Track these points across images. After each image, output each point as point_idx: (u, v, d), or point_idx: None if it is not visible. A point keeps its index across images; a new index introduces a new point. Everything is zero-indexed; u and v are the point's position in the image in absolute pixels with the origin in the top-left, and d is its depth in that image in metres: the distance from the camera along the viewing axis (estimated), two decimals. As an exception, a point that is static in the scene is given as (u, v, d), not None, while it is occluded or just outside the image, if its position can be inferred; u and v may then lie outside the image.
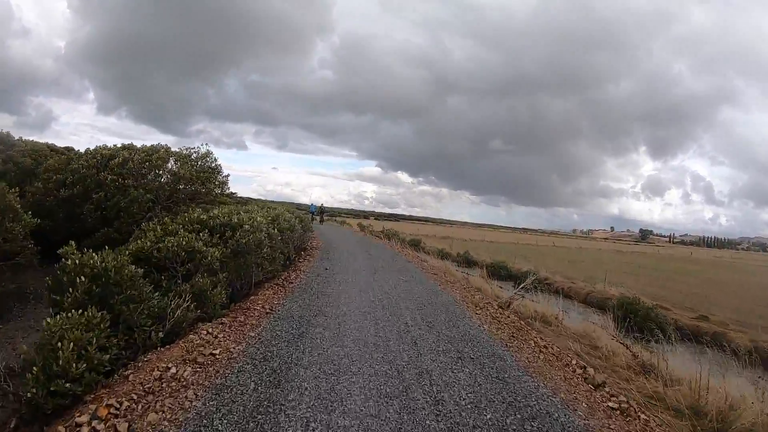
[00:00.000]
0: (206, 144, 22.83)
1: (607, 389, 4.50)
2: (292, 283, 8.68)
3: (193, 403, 3.30)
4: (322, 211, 37.11)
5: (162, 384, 3.53)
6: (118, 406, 3.12)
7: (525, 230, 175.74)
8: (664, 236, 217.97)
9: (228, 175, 14.60)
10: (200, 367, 3.94)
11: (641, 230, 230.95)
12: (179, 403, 3.28)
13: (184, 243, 5.54)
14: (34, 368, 3.18)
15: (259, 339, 4.87)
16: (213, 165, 13.78)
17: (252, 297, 6.85)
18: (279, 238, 9.55)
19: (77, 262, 4.03)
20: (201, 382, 3.67)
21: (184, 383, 3.60)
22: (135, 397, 3.28)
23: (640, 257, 50.64)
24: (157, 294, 4.69)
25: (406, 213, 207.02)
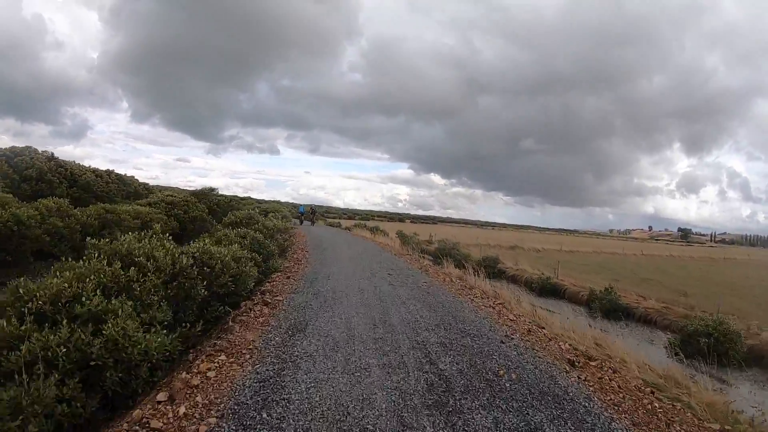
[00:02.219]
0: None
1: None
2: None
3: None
4: (313, 212, 34.85)
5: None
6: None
7: (570, 232, 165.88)
8: (704, 235, 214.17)
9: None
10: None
11: (680, 229, 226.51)
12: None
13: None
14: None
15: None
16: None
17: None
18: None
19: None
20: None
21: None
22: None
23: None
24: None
25: (440, 215, 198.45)
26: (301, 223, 31.11)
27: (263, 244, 8.61)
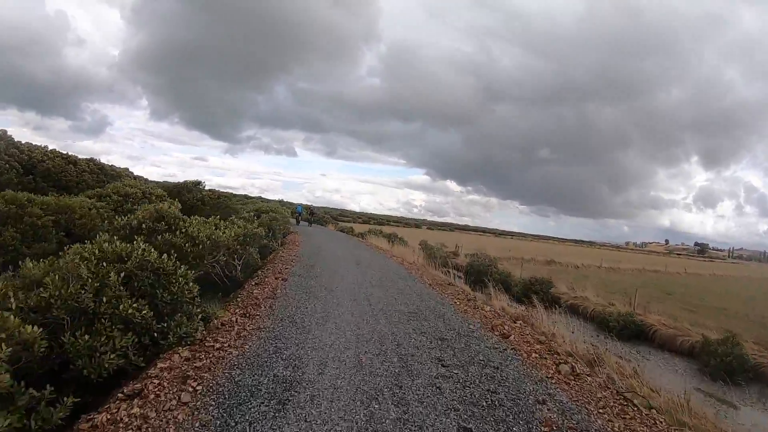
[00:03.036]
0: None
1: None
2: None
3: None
4: (311, 213, 34.06)
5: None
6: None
7: (590, 243, 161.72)
8: (721, 250, 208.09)
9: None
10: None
11: (696, 244, 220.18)
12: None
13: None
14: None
15: None
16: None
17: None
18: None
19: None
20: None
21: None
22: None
23: None
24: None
25: (456, 222, 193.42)
26: (298, 223, 29.92)
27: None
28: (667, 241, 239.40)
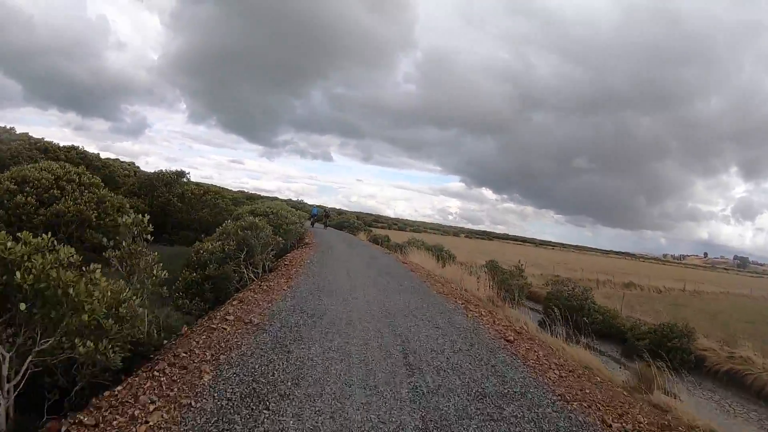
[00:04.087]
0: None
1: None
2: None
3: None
4: (326, 215, 33.78)
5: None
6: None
7: (633, 256, 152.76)
8: (762, 264, 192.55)
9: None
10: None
11: (735, 257, 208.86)
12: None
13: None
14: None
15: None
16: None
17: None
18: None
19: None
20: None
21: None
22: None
23: None
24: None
25: (491, 230, 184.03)
26: (313, 225, 28.86)
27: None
28: (706, 254, 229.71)
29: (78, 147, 22.72)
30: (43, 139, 22.72)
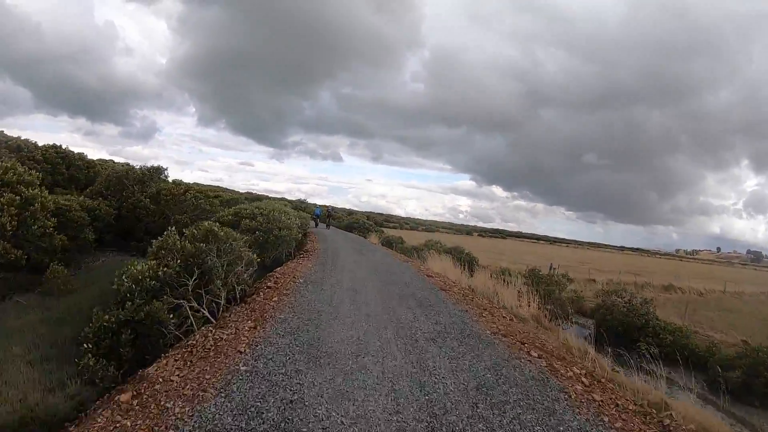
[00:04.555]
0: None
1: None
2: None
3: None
4: (329, 215, 33.08)
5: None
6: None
7: (646, 252, 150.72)
8: None
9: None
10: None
11: (749, 251, 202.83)
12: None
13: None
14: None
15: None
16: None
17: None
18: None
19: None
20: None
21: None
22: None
23: None
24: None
25: (501, 227, 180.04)
26: (316, 225, 28.91)
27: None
28: (719, 249, 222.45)
29: (60, 146, 20.69)
30: (19, 137, 20.79)
